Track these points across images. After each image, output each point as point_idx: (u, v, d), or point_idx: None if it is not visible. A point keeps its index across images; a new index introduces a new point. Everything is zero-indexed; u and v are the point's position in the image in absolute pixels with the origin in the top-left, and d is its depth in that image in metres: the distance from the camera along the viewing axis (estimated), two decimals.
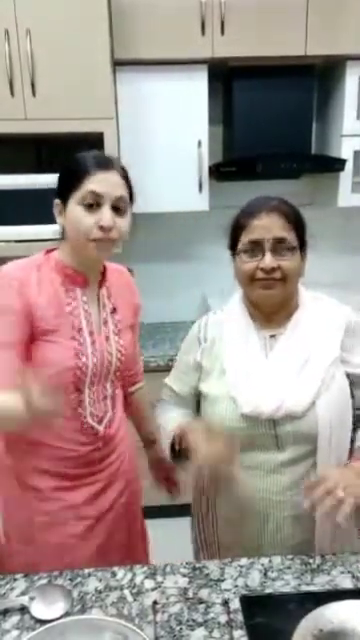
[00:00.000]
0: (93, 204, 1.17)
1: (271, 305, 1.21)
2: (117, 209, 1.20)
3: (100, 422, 1.32)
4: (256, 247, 1.15)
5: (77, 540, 1.31)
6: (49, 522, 1.30)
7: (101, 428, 1.32)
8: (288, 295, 1.21)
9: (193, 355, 1.31)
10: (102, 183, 1.17)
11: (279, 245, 1.14)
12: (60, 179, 1.24)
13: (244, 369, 1.21)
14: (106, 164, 1.20)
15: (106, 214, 1.18)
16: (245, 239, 1.17)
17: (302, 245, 1.19)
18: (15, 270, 1.22)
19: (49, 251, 1.30)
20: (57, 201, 1.24)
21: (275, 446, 1.19)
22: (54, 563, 1.22)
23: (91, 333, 1.27)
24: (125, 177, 1.23)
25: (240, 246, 1.18)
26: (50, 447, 1.27)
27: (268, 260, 1.14)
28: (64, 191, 1.21)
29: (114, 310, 1.34)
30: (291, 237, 1.15)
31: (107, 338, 1.31)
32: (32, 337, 1.21)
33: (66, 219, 1.22)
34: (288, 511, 1.20)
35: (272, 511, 1.21)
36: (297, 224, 1.17)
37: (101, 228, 1.18)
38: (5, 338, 1.17)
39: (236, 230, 1.20)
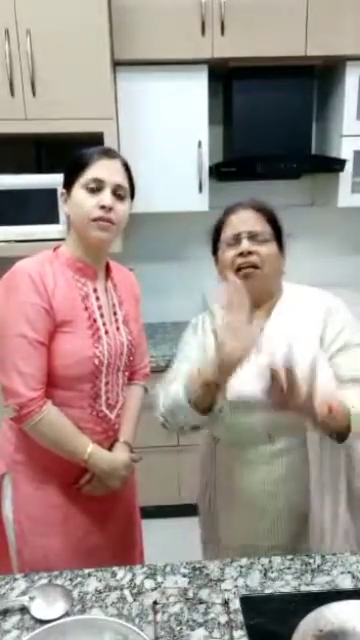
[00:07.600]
0: (95, 188, 1.25)
1: (251, 295, 1.21)
2: (117, 195, 1.27)
3: (112, 410, 1.37)
4: (236, 239, 1.24)
5: (86, 532, 1.35)
6: (63, 515, 1.33)
7: (113, 416, 1.37)
8: (267, 286, 1.26)
9: (196, 340, 1.33)
10: (104, 169, 1.26)
11: (255, 235, 1.24)
12: (66, 170, 1.31)
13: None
14: (108, 153, 1.29)
15: (106, 195, 1.25)
16: (226, 233, 1.27)
17: (279, 241, 1.27)
18: (31, 265, 1.26)
19: (56, 249, 1.35)
20: (63, 190, 1.31)
21: (266, 437, 1.24)
22: (68, 555, 1.29)
23: (104, 323, 1.32)
24: (126, 167, 1.31)
25: (222, 238, 1.27)
26: None
27: (245, 244, 1.22)
28: (69, 179, 1.28)
29: (121, 302, 1.40)
30: (266, 229, 1.25)
31: (117, 328, 1.37)
32: (52, 330, 1.25)
33: (70, 204, 1.29)
34: (283, 503, 1.25)
35: (268, 503, 1.26)
36: (270, 218, 1.27)
37: (102, 208, 1.25)
38: (36, 335, 1.22)
39: (218, 229, 1.29)
